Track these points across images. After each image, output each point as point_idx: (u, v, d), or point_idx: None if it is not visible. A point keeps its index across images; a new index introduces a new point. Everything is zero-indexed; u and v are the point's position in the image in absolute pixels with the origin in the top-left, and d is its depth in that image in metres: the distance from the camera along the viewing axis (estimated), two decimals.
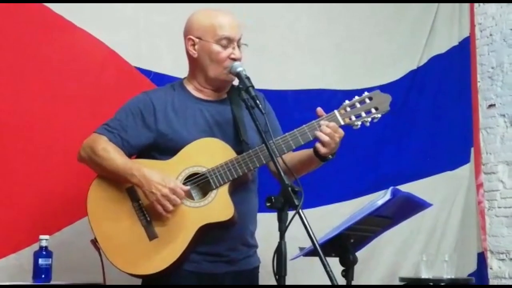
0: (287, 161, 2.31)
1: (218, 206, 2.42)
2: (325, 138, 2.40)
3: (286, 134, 2.45)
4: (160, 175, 2.39)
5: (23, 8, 3.02)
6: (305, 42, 3.91)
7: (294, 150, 2.51)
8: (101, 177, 2.49)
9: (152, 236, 2.42)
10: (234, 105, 2.55)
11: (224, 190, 2.43)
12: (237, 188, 2.47)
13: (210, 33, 2.49)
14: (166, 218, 2.40)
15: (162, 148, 2.49)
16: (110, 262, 2.43)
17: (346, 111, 2.46)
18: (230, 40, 2.49)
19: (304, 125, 2.45)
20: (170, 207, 2.37)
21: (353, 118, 2.46)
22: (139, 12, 3.33)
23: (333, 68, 4.00)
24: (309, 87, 3.88)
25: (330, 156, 2.47)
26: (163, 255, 2.39)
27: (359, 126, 2.47)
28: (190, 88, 2.59)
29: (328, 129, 2.40)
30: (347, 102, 2.48)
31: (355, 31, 4.13)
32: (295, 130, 2.45)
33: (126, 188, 2.46)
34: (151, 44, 3.35)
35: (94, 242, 2.46)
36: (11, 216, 2.91)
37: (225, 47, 2.49)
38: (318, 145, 2.43)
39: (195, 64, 2.57)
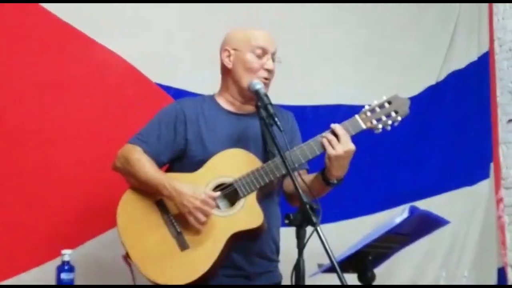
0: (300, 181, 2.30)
1: (248, 213, 2.44)
2: (331, 136, 2.42)
3: (302, 144, 2.48)
4: (191, 188, 2.41)
5: (46, 22, 3.07)
6: (321, 57, 3.92)
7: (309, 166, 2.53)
8: (130, 192, 2.52)
9: (183, 246, 2.43)
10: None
11: (252, 198, 2.45)
12: (262, 199, 2.49)
13: (245, 43, 2.56)
14: (197, 228, 2.42)
15: (189, 156, 2.52)
16: (142, 275, 2.42)
17: (366, 115, 2.50)
18: (264, 51, 2.55)
19: (318, 135, 2.47)
20: (203, 218, 2.39)
21: (374, 122, 2.50)
22: (161, 27, 3.37)
23: (351, 84, 4.01)
24: (328, 102, 3.90)
25: (335, 181, 2.47)
26: (195, 265, 2.40)
27: (380, 130, 2.51)
28: (221, 101, 2.63)
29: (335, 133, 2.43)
30: (367, 107, 2.51)
31: (373, 46, 4.14)
32: (310, 140, 2.48)
33: (156, 201, 2.49)
34: (172, 60, 3.39)
35: (126, 257, 2.47)
36: (33, 230, 2.94)
37: (259, 57, 2.54)
38: (325, 144, 2.42)
39: (229, 75, 2.61)
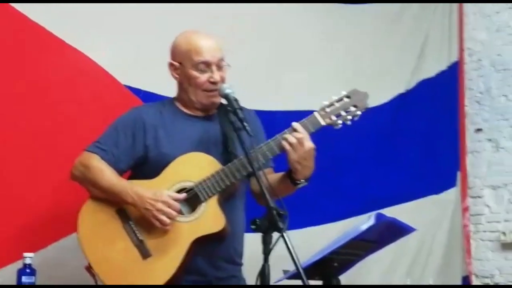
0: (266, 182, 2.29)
1: (209, 218, 2.42)
2: (292, 139, 2.40)
3: (262, 145, 2.45)
4: (152, 191, 2.40)
5: (16, 23, 3.02)
6: (292, 63, 3.92)
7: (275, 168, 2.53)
8: (90, 202, 2.50)
9: (145, 255, 2.41)
10: (223, 120, 2.56)
11: (213, 202, 2.44)
12: (225, 203, 2.47)
13: (187, 59, 2.53)
14: (158, 235, 2.40)
15: (150, 163, 2.50)
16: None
17: (325, 111, 2.46)
18: (208, 64, 2.51)
19: (278, 134, 2.45)
20: (167, 221, 2.37)
21: (334, 118, 2.46)
22: (131, 30, 3.34)
23: (321, 90, 4.00)
24: (298, 108, 3.89)
25: (302, 181, 2.46)
26: (158, 273, 2.39)
27: (340, 126, 2.47)
28: (179, 105, 2.62)
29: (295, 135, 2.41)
30: (325, 102, 2.48)
31: (343, 53, 4.15)
32: (269, 140, 2.46)
33: (116, 210, 2.46)
34: (141, 62, 3.35)
35: (89, 268, 2.44)
36: None
37: (203, 71, 2.51)
38: (287, 148, 2.40)
39: (179, 86, 2.61)
